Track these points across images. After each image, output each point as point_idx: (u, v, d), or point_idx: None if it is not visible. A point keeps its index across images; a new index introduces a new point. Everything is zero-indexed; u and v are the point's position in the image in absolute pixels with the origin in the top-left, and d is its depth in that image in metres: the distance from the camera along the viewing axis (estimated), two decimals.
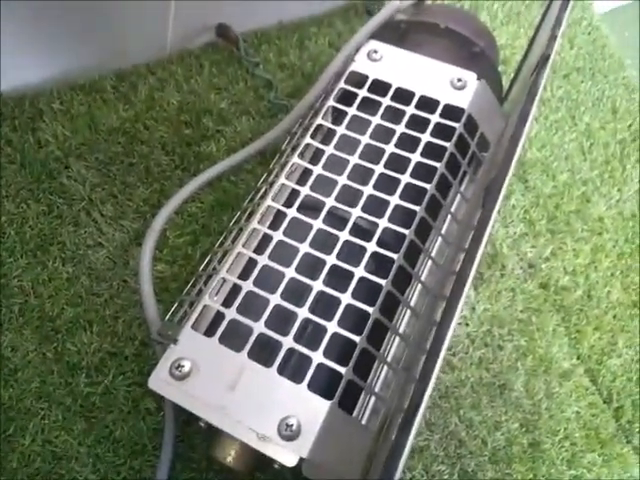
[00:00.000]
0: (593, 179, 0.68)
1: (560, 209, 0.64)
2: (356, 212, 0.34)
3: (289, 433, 0.26)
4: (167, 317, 0.35)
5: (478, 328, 0.56)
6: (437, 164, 0.36)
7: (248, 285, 0.31)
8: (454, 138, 0.36)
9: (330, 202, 0.35)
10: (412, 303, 0.34)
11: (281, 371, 0.29)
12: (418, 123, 0.37)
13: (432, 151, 0.36)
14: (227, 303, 0.31)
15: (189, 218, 0.49)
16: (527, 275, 0.60)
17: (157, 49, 0.56)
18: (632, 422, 0.59)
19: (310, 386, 0.28)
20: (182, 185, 0.47)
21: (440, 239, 0.36)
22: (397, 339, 0.33)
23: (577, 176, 0.67)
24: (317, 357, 0.28)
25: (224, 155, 0.52)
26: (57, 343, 0.43)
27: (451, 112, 0.37)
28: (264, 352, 0.30)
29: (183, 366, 0.29)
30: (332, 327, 0.29)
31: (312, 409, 0.27)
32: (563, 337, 0.59)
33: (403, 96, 0.38)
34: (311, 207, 0.35)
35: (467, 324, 0.56)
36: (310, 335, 0.31)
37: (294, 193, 0.36)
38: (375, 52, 0.41)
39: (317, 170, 0.36)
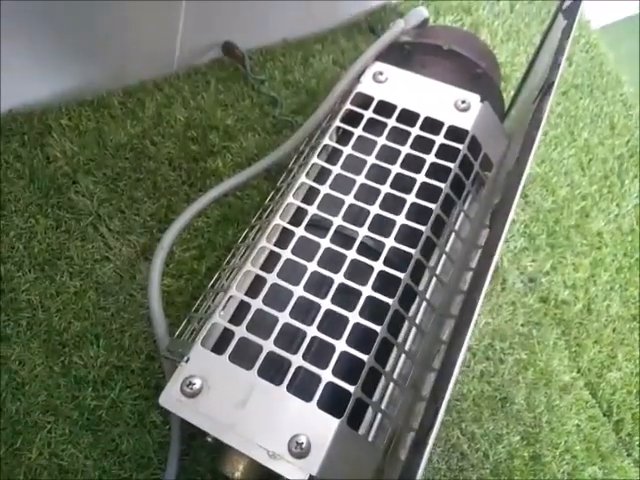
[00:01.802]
0: (592, 194, 0.69)
1: (560, 224, 0.65)
2: (363, 231, 0.35)
3: (299, 451, 0.27)
4: (176, 334, 0.35)
5: (480, 342, 0.56)
6: (442, 184, 0.36)
7: (257, 303, 0.32)
8: (458, 159, 0.37)
9: (337, 221, 0.35)
10: (418, 321, 0.35)
11: (290, 389, 0.29)
12: (423, 144, 0.38)
13: (437, 171, 0.37)
14: (236, 320, 0.32)
15: (195, 233, 0.49)
16: (527, 289, 0.61)
17: (164, 66, 0.57)
18: (632, 435, 0.60)
19: (319, 404, 0.29)
20: (189, 200, 0.47)
21: (445, 257, 0.37)
22: (403, 357, 0.33)
23: (576, 191, 0.68)
24: (326, 375, 0.29)
25: (230, 171, 0.52)
26: (64, 357, 0.43)
27: (455, 133, 0.38)
28: (273, 370, 0.30)
29: (194, 384, 0.29)
30: (341, 346, 0.30)
31: (321, 427, 0.28)
32: (563, 350, 0.60)
33: (408, 117, 0.39)
34: (318, 226, 0.36)
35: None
36: (318, 353, 0.31)
37: (301, 212, 0.36)
38: (381, 74, 0.41)
39: (324, 189, 0.37)
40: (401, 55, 0.46)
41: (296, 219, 0.37)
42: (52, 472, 0.40)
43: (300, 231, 0.35)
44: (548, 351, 0.59)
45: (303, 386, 0.30)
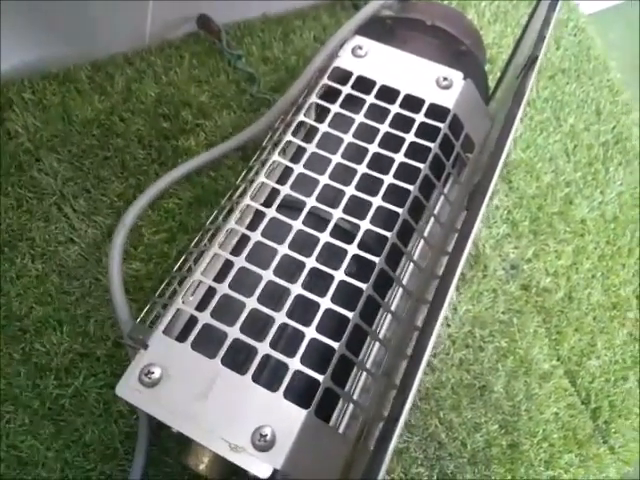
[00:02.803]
0: (576, 181, 0.68)
1: (543, 210, 0.64)
2: (337, 213, 0.33)
3: (263, 443, 0.25)
4: (139, 319, 0.33)
5: (459, 329, 0.56)
6: (421, 165, 0.35)
7: (223, 288, 0.30)
8: (439, 139, 0.36)
9: (311, 202, 0.34)
10: (393, 307, 0.34)
11: (257, 378, 0.28)
12: (402, 122, 0.36)
13: (416, 151, 0.35)
14: (201, 306, 0.30)
15: (165, 215, 0.47)
16: (509, 276, 0.60)
17: (135, 39, 0.54)
18: (608, 423, 0.60)
19: (287, 394, 0.27)
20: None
21: (423, 242, 0.35)
22: (377, 344, 0.32)
23: (561, 177, 0.67)
24: (294, 364, 0.27)
25: (203, 150, 0.50)
26: (25, 343, 0.41)
27: (436, 112, 0.37)
28: (239, 358, 0.29)
29: (153, 372, 0.28)
30: (310, 332, 0.29)
31: (287, 418, 0.26)
32: (544, 338, 0.59)
33: (388, 94, 0.37)
34: (291, 207, 0.34)
35: (449, 325, 0.56)
36: (287, 341, 0.30)
37: (274, 192, 0.35)
38: (360, 48, 0.39)
39: (298, 169, 0.35)
40: (382, 30, 0.44)
41: (268, 200, 0.36)
42: (11, 464, 0.38)
43: (271, 212, 0.33)
44: (528, 339, 0.58)
45: (271, 376, 0.29)
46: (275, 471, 0.25)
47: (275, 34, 0.59)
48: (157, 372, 0.28)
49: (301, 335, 0.28)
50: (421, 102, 0.37)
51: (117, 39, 0.54)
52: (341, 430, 0.30)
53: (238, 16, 0.59)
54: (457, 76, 0.38)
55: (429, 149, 0.35)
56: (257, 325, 0.29)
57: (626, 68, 0.82)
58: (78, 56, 0.52)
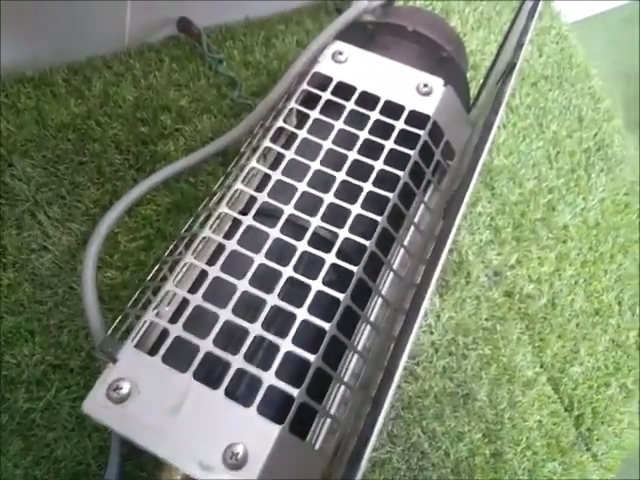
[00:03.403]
0: (559, 187, 0.68)
1: (526, 217, 0.64)
2: (316, 221, 0.32)
3: (234, 462, 0.25)
4: (110, 331, 0.32)
5: (442, 336, 0.55)
6: (400, 173, 0.34)
7: (197, 299, 0.29)
8: (418, 146, 0.35)
9: (289, 210, 0.33)
10: (373, 317, 0.33)
11: (230, 393, 0.27)
12: (382, 129, 0.36)
13: (396, 159, 0.35)
14: (176, 318, 0.29)
15: (143, 221, 0.46)
16: (492, 283, 0.60)
17: (114, 41, 0.53)
18: (591, 430, 0.60)
19: (261, 409, 0.26)
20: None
21: (402, 250, 0.35)
22: (355, 356, 0.31)
23: (543, 184, 0.67)
24: (268, 378, 0.27)
25: (182, 155, 0.49)
26: None
27: (416, 118, 0.36)
28: (212, 373, 0.28)
29: (122, 388, 0.26)
30: (286, 345, 0.28)
31: (261, 435, 0.25)
32: (527, 345, 0.59)
33: (368, 100, 0.37)
34: (269, 215, 0.33)
35: (432, 332, 0.55)
36: (263, 353, 0.29)
37: (252, 199, 0.34)
38: (340, 54, 0.39)
39: (276, 175, 0.34)
40: (364, 35, 0.43)
41: (245, 207, 0.35)
42: None
43: (248, 220, 0.32)
44: (512, 346, 0.58)
45: (245, 390, 0.28)
46: None
47: (257, 38, 0.58)
48: (126, 387, 0.26)
49: (276, 348, 0.28)
50: (401, 109, 0.36)
51: (95, 41, 0.52)
52: (318, 445, 0.29)
53: (220, 19, 0.58)
54: (437, 83, 0.38)
55: (409, 156, 0.35)
56: (232, 337, 0.29)
57: (607, 76, 0.83)
58: (54, 58, 0.51)
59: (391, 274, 0.34)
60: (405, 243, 0.35)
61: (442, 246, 0.28)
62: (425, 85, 0.37)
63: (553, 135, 0.71)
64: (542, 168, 0.68)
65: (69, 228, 0.44)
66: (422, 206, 0.37)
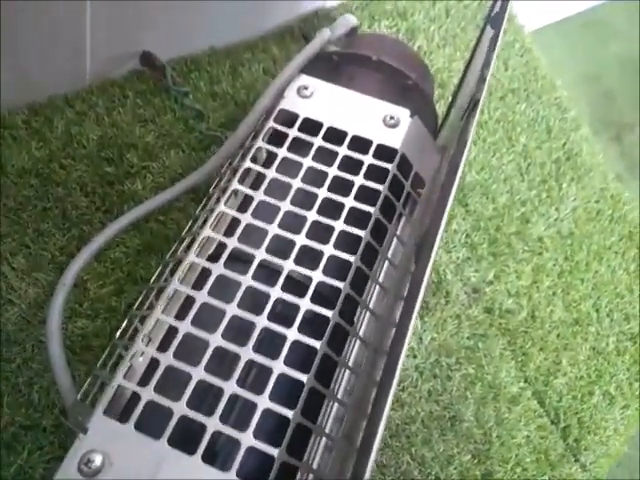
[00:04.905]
0: (532, 199, 0.69)
1: (501, 231, 0.65)
2: (288, 265, 0.32)
3: None
4: (81, 393, 0.31)
5: (426, 359, 0.55)
6: (371, 209, 0.34)
7: (168, 358, 0.28)
8: (388, 180, 0.35)
9: (260, 254, 0.32)
10: (351, 361, 0.32)
11: (208, 457, 0.26)
12: (351, 164, 0.35)
13: (366, 194, 0.35)
14: (145, 379, 0.28)
15: (112, 266, 0.45)
16: (471, 300, 0.60)
17: (75, 79, 0.52)
18: (578, 440, 0.60)
19: (240, 472, 0.25)
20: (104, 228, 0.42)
21: (378, 287, 0.34)
22: (336, 405, 0.31)
23: (516, 197, 0.68)
24: (247, 440, 0.26)
25: (151, 193, 0.48)
26: None
27: (384, 152, 0.36)
28: (188, 436, 0.27)
29: (93, 460, 0.25)
30: (263, 402, 0.27)
31: None
32: (510, 361, 0.59)
33: (335, 135, 0.36)
34: (240, 260, 0.32)
35: (415, 356, 0.55)
36: (240, 412, 0.28)
37: (220, 245, 0.33)
38: (305, 88, 0.39)
39: (245, 219, 0.33)
40: (329, 66, 0.43)
41: (215, 254, 0.34)
42: None
43: (218, 268, 0.31)
44: (495, 363, 0.58)
45: (222, 453, 0.27)
46: None
47: (223, 68, 0.58)
48: (98, 460, 0.25)
49: (253, 406, 0.27)
50: (369, 143, 0.36)
51: (55, 79, 0.51)
52: None
53: (184, 50, 0.58)
54: (404, 114, 0.38)
55: (379, 192, 0.34)
56: (207, 397, 0.28)
57: (570, 84, 0.85)
58: (13, 99, 0.49)
59: (368, 313, 0.34)
60: (380, 279, 0.35)
61: (418, 288, 0.27)
62: (392, 117, 0.37)
63: (523, 147, 0.72)
64: (514, 181, 0.69)
65: (35, 279, 0.43)
66: (395, 240, 0.37)
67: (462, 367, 0.56)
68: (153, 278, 0.34)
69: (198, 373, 0.27)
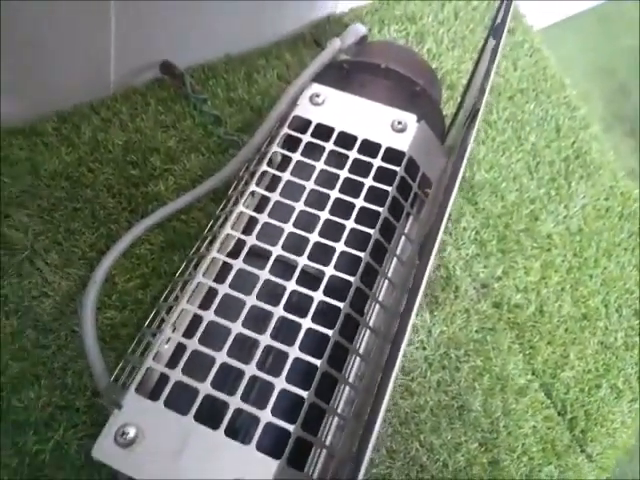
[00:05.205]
0: (541, 197, 0.71)
1: (510, 228, 0.66)
2: (303, 260, 0.34)
3: None
4: (113, 376, 0.34)
5: (435, 351, 0.57)
6: (380, 208, 0.36)
7: (193, 343, 0.31)
8: (396, 182, 0.37)
9: (277, 251, 0.35)
10: (362, 349, 0.35)
11: (230, 432, 0.28)
12: (361, 167, 0.38)
13: (375, 195, 0.37)
14: (174, 361, 0.31)
15: (138, 261, 0.48)
16: (480, 295, 0.62)
17: (100, 88, 0.55)
18: (585, 431, 0.61)
19: (260, 446, 0.28)
20: (131, 227, 0.46)
21: (387, 282, 0.37)
22: (347, 388, 0.33)
23: (525, 195, 0.70)
24: (265, 416, 0.28)
25: (173, 194, 0.51)
26: (2, 401, 0.42)
27: (392, 155, 0.38)
28: (212, 412, 0.29)
29: (128, 433, 0.28)
30: (280, 383, 0.30)
31: (261, 470, 0.27)
32: (518, 354, 0.61)
33: (346, 140, 0.39)
34: (258, 255, 0.35)
35: (424, 348, 0.57)
36: (259, 391, 0.30)
37: (240, 242, 0.36)
38: (317, 96, 0.41)
39: (263, 218, 0.36)
40: (340, 75, 0.45)
41: (234, 250, 0.37)
42: None
43: (238, 263, 0.34)
44: (503, 356, 0.60)
45: (244, 428, 0.29)
46: None
47: (239, 74, 0.60)
48: (132, 432, 0.28)
49: (271, 386, 0.29)
50: (378, 147, 0.38)
51: (81, 89, 0.54)
52: (316, 475, 0.31)
53: (201, 59, 0.60)
54: (411, 119, 0.40)
55: (387, 192, 0.37)
56: (229, 378, 0.30)
57: (583, 80, 0.85)
58: (43, 108, 0.52)
59: (377, 306, 0.36)
60: (389, 275, 0.37)
61: (418, 286, 0.30)
62: (399, 122, 0.39)
63: (532, 146, 0.73)
64: (523, 179, 0.70)
65: (67, 273, 0.46)
66: (403, 238, 0.39)
67: (470, 359, 0.58)
68: (178, 273, 0.37)
69: (221, 357, 0.30)
